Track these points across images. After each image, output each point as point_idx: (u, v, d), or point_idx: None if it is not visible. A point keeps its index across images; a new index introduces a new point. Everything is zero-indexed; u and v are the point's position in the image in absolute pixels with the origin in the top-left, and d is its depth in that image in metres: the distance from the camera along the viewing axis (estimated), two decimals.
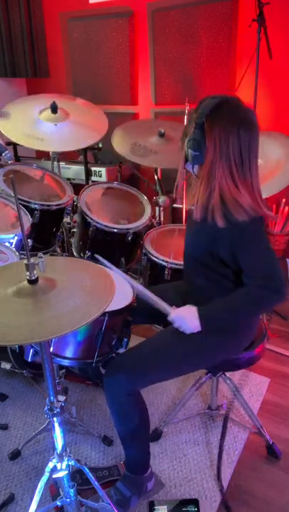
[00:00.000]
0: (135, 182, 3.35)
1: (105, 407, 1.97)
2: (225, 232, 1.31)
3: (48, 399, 1.20)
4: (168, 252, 2.09)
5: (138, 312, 1.55)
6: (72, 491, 1.28)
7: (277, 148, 2.31)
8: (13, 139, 2.39)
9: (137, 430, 1.44)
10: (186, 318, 1.39)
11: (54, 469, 1.26)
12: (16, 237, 1.89)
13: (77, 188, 2.45)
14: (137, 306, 1.51)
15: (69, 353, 1.44)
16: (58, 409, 1.18)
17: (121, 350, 1.51)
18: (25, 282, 1.05)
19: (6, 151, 2.15)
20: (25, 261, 1.04)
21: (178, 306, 1.55)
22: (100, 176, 3.27)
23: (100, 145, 2.84)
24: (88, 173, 3.17)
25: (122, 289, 1.57)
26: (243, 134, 1.26)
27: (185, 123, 1.34)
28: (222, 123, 1.26)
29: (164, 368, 1.42)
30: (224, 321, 1.40)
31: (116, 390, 1.37)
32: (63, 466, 1.26)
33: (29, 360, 1.63)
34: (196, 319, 1.37)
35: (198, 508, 1.48)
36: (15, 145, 3.05)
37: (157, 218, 2.65)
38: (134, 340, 1.51)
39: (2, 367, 1.82)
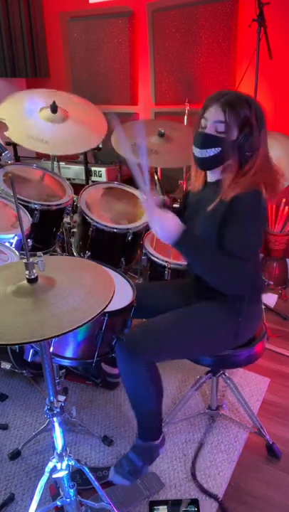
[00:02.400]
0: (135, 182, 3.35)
1: (105, 406, 1.97)
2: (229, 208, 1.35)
3: (48, 399, 1.20)
4: (168, 252, 2.09)
5: (139, 307, 1.56)
6: (72, 491, 1.28)
7: (277, 148, 2.30)
8: (17, 141, 2.39)
9: (148, 388, 1.42)
10: (166, 225, 1.30)
11: (54, 469, 1.26)
12: (16, 237, 1.89)
13: (77, 188, 2.45)
14: (138, 302, 1.52)
15: (69, 353, 1.44)
16: (58, 409, 1.18)
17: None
18: (25, 281, 1.05)
19: (6, 151, 2.15)
20: (24, 260, 1.04)
21: (180, 303, 1.56)
22: (100, 176, 3.27)
23: (100, 145, 2.84)
24: (88, 173, 3.17)
25: (122, 289, 1.57)
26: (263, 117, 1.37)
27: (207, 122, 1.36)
28: (264, 121, 1.36)
29: (168, 342, 1.42)
30: (192, 258, 1.37)
31: (126, 352, 1.38)
32: (63, 466, 1.26)
33: (29, 360, 1.63)
34: (176, 233, 1.30)
35: (198, 508, 1.48)
36: (15, 145, 3.05)
37: None
38: None
39: (2, 367, 1.82)
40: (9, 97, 2.53)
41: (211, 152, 1.36)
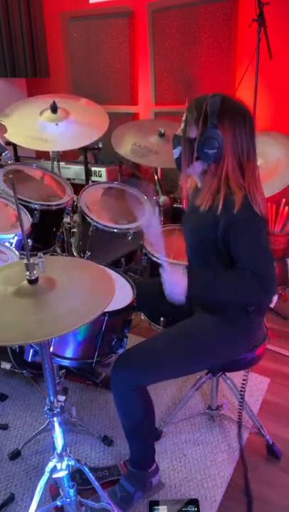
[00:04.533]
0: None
1: (105, 406, 1.97)
2: (222, 220, 1.32)
3: (48, 399, 1.20)
4: (168, 252, 2.09)
5: (139, 303, 1.56)
6: (72, 491, 1.28)
7: (277, 148, 2.31)
8: (18, 142, 2.40)
9: (141, 425, 1.44)
10: (175, 283, 1.35)
11: (54, 469, 1.26)
12: (16, 237, 1.89)
13: (77, 188, 2.45)
14: (139, 298, 1.52)
15: (69, 353, 1.44)
16: (58, 409, 1.18)
17: (121, 351, 1.52)
18: (25, 282, 1.05)
19: (6, 151, 2.15)
20: (25, 261, 1.04)
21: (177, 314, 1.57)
22: (100, 176, 3.27)
23: (100, 145, 2.84)
24: (88, 173, 3.17)
25: (122, 289, 1.57)
26: (248, 125, 1.33)
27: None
28: (233, 118, 1.31)
29: (167, 366, 1.42)
30: (208, 296, 1.40)
31: (120, 384, 1.38)
32: (63, 466, 1.26)
33: (29, 360, 1.63)
34: (183, 288, 1.34)
35: (198, 508, 1.48)
36: (15, 145, 3.05)
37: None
38: (135, 341, 1.51)
39: (2, 367, 1.82)
40: (16, 105, 2.56)
41: (177, 151, 1.41)
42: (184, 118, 1.37)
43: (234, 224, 1.31)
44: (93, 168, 3.28)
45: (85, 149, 2.96)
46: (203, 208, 1.37)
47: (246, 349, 1.52)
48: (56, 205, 2.28)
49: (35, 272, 1.05)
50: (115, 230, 2.18)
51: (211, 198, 1.36)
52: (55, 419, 1.19)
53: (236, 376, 2.11)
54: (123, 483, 1.50)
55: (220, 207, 1.32)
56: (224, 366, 1.61)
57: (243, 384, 1.55)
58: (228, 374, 1.75)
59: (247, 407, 1.76)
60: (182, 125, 1.37)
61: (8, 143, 2.53)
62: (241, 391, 1.57)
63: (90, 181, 3.18)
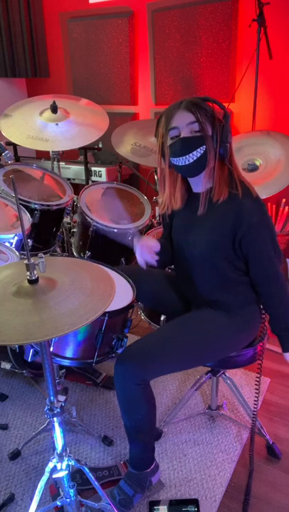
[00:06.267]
0: (135, 182, 3.35)
1: (105, 407, 1.97)
2: (245, 205, 1.35)
3: (48, 399, 1.20)
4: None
5: (144, 295, 1.61)
6: (72, 491, 1.28)
7: (277, 148, 2.30)
8: (18, 142, 2.40)
9: (143, 423, 1.43)
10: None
11: (54, 469, 1.26)
12: (16, 237, 1.89)
13: (77, 188, 2.45)
14: (139, 286, 1.54)
15: (69, 353, 1.44)
16: (58, 409, 1.18)
17: (121, 351, 1.52)
18: (26, 282, 1.05)
19: (6, 151, 2.16)
20: (25, 261, 1.04)
21: (178, 311, 1.59)
22: (100, 176, 3.27)
23: (100, 145, 2.84)
24: (88, 173, 3.17)
25: (122, 289, 1.57)
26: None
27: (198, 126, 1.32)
28: (219, 104, 1.37)
29: (174, 358, 1.41)
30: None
31: (125, 378, 1.36)
32: (63, 466, 1.26)
33: (29, 360, 1.63)
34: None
35: (198, 508, 1.48)
36: (15, 145, 3.05)
37: (157, 218, 2.66)
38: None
39: (2, 367, 1.82)
40: (16, 105, 2.56)
41: (197, 153, 1.32)
42: (190, 120, 1.31)
43: (256, 206, 1.35)
44: (93, 168, 3.28)
45: (85, 149, 2.96)
46: (221, 200, 1.37)
47: (249, 339, 1.54)
48: (56, 205, 2.28)
49: (35, 272, 1.05)
50: (115, 230, 2.18)
51: (226, 188, 1.37)
52: (55, 419, 1.19)
53: (236, 376, 2.12)
54: (122, 486, 1.49)
55: (240, 191, 1.34)
56: (224, 364, 1.61)
57: (256, 394, 1.59)
58: (228, 374, 1.75)
59: (247, 407, 1.77)
60: (196, 127, 1.31)
61: (9, 143, 2.53)
62: (255, 402, 1.61)
63: (90, 181, 3.18)
